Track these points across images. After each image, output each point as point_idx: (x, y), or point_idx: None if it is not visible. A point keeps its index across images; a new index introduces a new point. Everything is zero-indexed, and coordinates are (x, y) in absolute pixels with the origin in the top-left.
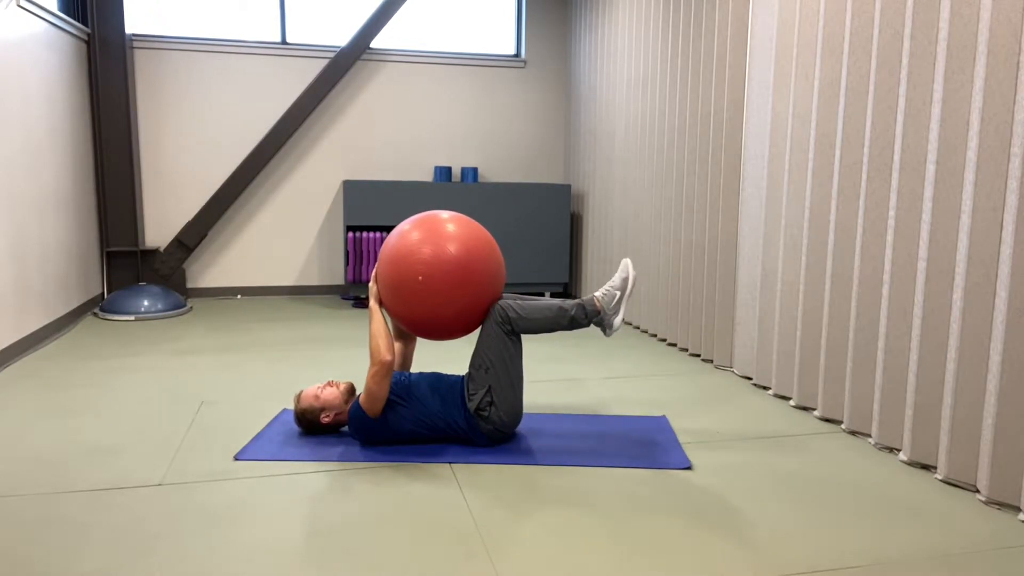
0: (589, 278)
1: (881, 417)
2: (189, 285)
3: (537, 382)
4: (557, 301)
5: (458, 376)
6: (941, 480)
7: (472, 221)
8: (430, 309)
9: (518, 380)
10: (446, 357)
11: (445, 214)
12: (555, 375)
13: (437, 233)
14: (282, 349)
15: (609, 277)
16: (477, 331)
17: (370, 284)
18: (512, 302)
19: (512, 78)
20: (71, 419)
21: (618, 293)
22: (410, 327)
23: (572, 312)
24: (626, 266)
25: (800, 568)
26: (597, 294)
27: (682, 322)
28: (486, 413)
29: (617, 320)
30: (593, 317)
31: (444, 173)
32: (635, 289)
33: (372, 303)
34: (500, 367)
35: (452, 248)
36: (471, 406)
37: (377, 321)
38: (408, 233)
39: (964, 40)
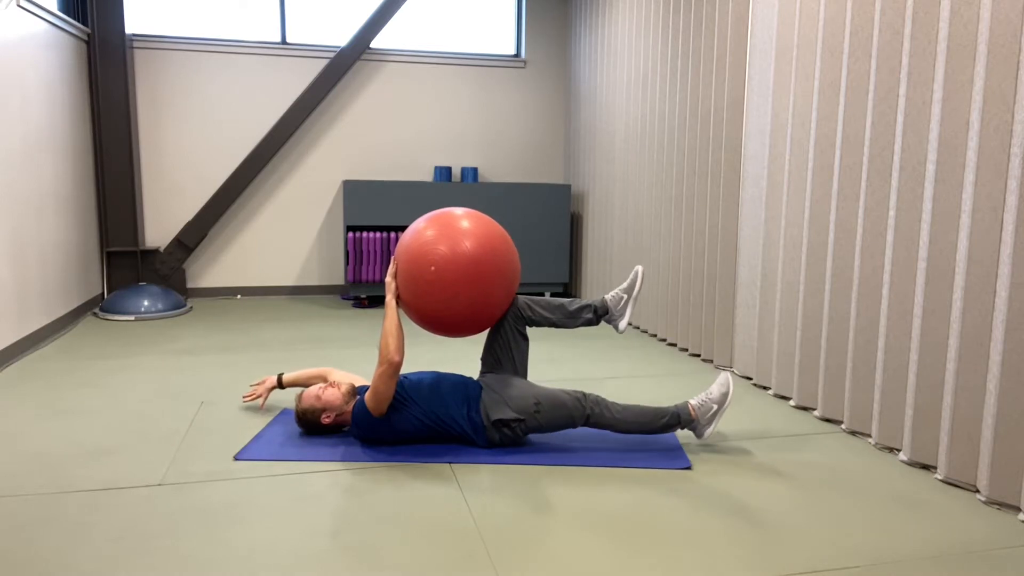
0: (589, 278)
1: (881, 417)
2: (189, 285)
3: (537, 382)
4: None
5: (460, 376)
6: (941, 480)
7: (488, 218)
8: (442, 303)
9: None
10: (446, 357)
11: (460, 211)
12: (555, 375)
13: (453, 228)
14: (282, 349)
15: (609, 277)
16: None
17: (387, 279)
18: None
19: (512, 78)
20: (71, 419)
21: (625, 296)
22: (421, 321)
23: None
24: (636, 272)
25: (800, 568)
26: (608, 296)
27: (682, 322)
28: (509, 432)
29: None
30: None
31: (444, 173)
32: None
33: (389, 298)
34: (549, 408)
35: (468, 243)
36: (496, 415)
37: (391, 319)
38: (423, 230)
39: (964, 40)
